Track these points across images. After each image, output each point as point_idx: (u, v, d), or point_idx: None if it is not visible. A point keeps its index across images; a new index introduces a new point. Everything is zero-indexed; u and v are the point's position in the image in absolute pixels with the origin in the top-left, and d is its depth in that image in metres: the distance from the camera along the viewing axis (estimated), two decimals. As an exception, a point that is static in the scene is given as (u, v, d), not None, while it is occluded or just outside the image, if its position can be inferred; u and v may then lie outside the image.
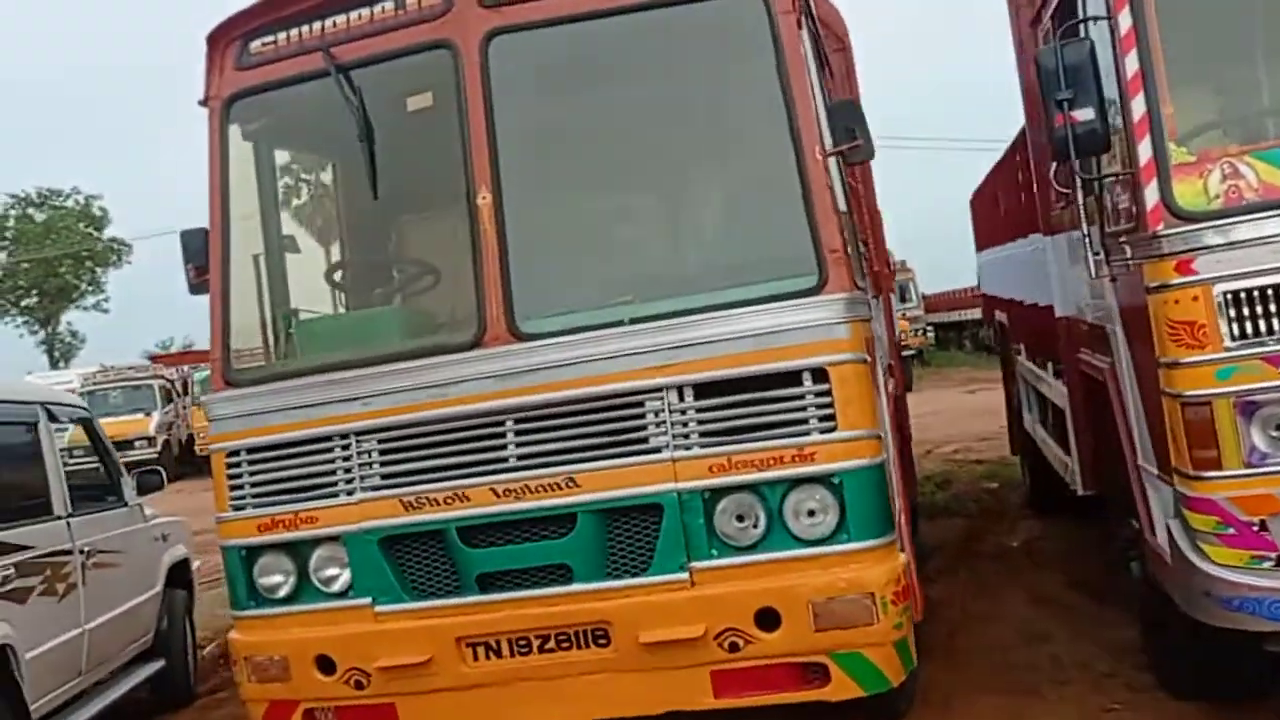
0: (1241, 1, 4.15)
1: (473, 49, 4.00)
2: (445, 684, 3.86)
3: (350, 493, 3.98)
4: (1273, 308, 3.48)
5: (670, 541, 3.73)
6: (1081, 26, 3.97)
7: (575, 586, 3.77)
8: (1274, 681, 4.04)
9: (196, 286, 4.43)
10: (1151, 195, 3.67)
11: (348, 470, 4.00)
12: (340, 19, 4.23)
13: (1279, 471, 3.48)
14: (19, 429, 5.31)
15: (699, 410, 3.73)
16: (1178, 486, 3.71)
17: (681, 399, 3.75)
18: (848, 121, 3.92)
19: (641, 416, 3.77)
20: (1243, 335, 3.51)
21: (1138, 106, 3.73)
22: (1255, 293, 3.49)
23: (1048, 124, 3.95)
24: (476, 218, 3.94)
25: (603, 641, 3.75)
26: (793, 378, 3.70)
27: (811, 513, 3.68)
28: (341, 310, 4.75)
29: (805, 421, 3.68)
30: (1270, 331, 3.49)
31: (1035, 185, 6.13)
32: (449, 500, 3.86)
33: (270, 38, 4.33)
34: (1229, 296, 3.51)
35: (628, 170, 4.49)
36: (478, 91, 3.99)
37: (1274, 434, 3.49)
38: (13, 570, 4.82)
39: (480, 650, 3.84)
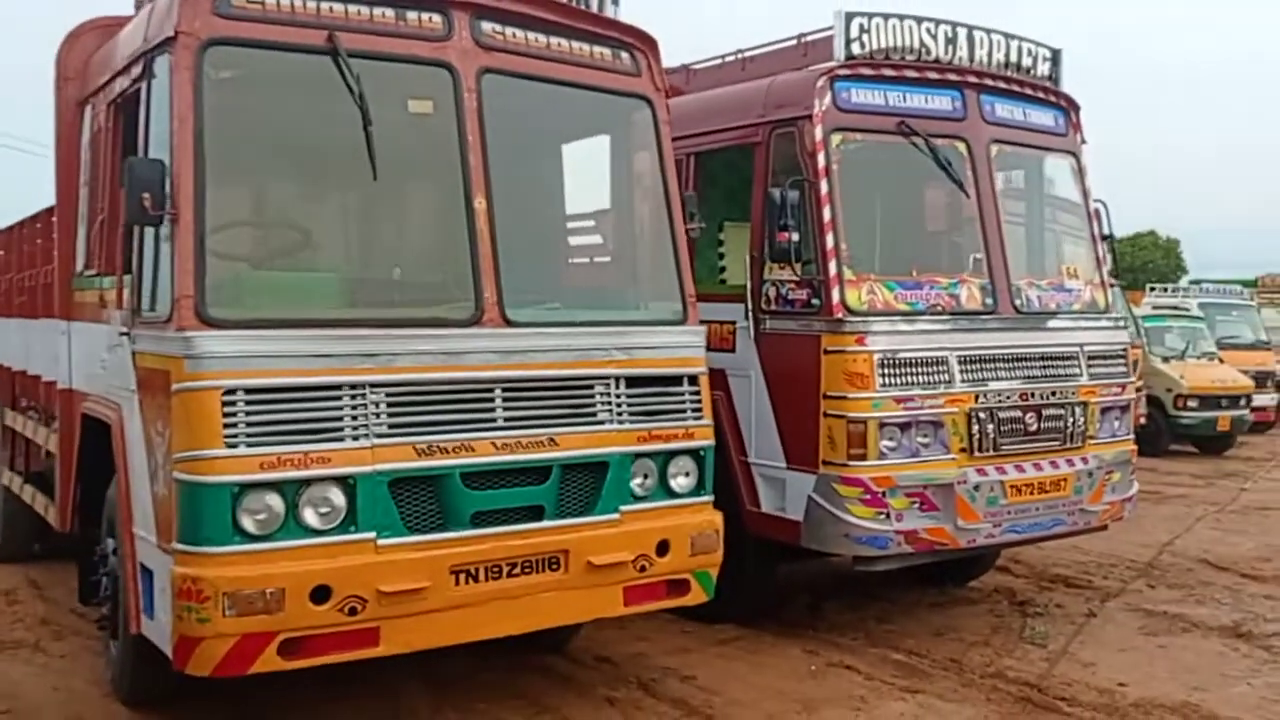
0: None
1: (471, 77, 4.84)
2: (432, 606, 4.50)
3: (357, 437, 4.40)
4: (897, 370, 6.15)
5: (610, 490, 4.99)
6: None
7: (545, 523, 4.79)
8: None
9: (148, 216, 4.29)
10: (836, 295, 6.13)
11: (356, 418, 4.40)
12: (335, 6, 4.64)
13: (893, 463, 6.12)
14: None
15: (629, 396, 5.10)
16: (830, 472, 6.11)
17: (618, 386, 5.07)
18: (691, 207, 5.66)
19: (592, 396, 4.99)
20: (884, 384, 6.11)
21: (829, 240, 6.18)
22: (891, 360, 6.14)
23: (770, 239, 6.16)
24: (474, 218, 4.76)
25: (555, 566, 4.82)
26: (677, 380, 5.29)
27: (686, 474, 5.28)
28: (329, 271, 4.80)
29: (685, 410, 5.29)
30: (895, 384, 6.14)
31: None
32: (457, 449, 4.57)
33: None
34: (880, 359, 6.09)
35: (562, 206, 5.52)
36: (475, 114, 4.82)
37: (890, 442, 6.13)
38: None
39: (463, 576, 4.59)
